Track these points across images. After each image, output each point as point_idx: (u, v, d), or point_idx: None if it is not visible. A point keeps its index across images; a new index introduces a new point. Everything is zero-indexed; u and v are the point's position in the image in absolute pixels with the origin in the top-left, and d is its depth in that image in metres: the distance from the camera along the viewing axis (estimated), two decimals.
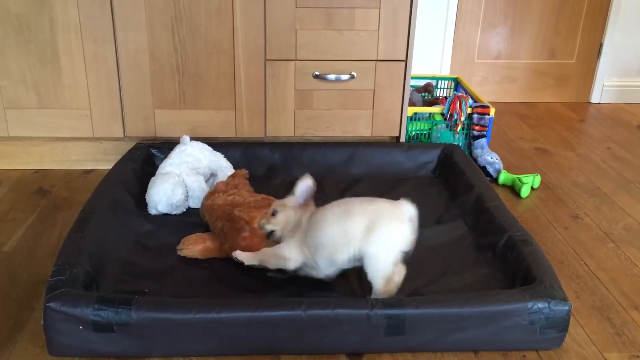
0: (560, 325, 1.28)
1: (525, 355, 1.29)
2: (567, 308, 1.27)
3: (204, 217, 1.66)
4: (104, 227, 1.52)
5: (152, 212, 1.73)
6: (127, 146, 2.04)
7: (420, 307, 1.25)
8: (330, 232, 1.33)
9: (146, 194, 1.75)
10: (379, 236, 1.30)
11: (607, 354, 1.31)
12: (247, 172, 1.80)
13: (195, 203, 1.78)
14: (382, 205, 1.34)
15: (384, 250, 1.31)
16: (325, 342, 1.25)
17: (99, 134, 2.06)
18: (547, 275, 1.34)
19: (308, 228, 1.37)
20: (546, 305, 1.26)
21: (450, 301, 1.27)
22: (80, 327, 1.20)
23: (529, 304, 1.25)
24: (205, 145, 1.89)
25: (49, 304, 1.19)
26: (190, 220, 1.72)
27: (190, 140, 1.88)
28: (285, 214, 1.42)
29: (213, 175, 1.88)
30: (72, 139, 2.10)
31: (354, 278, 1.47)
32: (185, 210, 1.77)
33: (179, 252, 1.54)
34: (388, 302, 1.25)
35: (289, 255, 1.38)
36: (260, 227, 1.43)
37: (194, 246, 1.54)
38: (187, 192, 1.77)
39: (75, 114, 2.03)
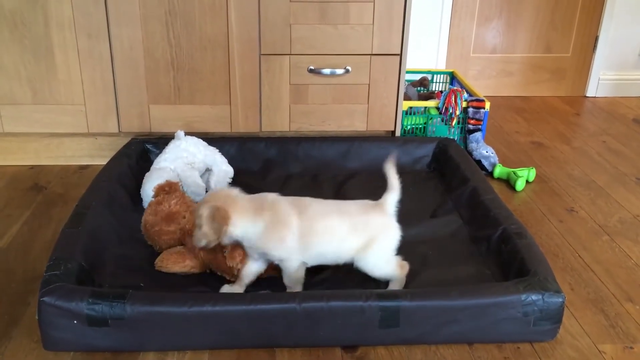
0: (554, 317, 1.29)
1: (519, 347, 1.30)
2: (560, 300, 1.27)
3: (154, 242, 1.55)
4: (99, 222, 1.52)
5: None
6: (122, 142, 2.04)
7: (414, 300, 1.25)
8: (332, 247, 1.37)
9: (141, 189, 1.75)
10: (377, 252, 1.37)
11: (601, 345, 1.32)
12: (177, 182, 1.66)
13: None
14: (374, 219, 1.39)
15: (382, 260, 1.38)
16: (320, 335, 1.26)
17: (94, 129, 2.06)
18: (541, 267, 1.34)
19: (305, 235, 1.35)
20: (540, 297, 1.26)
21: (444, 293, 1.27)
22: (75, 322, 1.20)
23: (523, 296, 1.26)
24: (200, 140, 1.89)
25: (44, 299, 1.19)
26: None
27: (185, 135, 1.88)
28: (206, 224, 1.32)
29: (208, 170, 1.88)
30: (67, 135, 2.10)
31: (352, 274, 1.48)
32: None
33: (157, 267, 1.46)
34: (382, 294, 1.26)
35: (293, 266, 1.36)
36: (198, 243, 1.35)
37: (174, 265, 1.46)
38: (183, 187, 1.77)
39: (70, 109, 2.03)
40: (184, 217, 1.52)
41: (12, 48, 1.94)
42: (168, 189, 1.57)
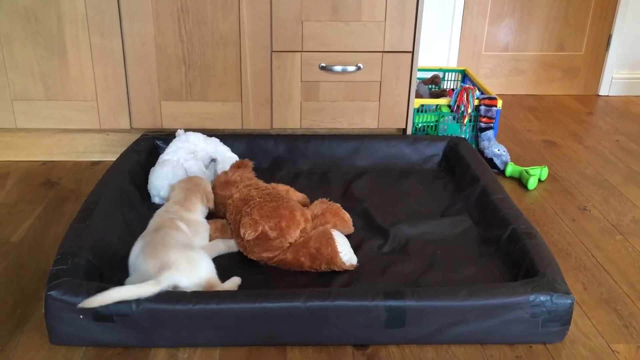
0: (563, 319, 1.27)
1: (531, 346, 1.29)
2: (569, 301, 1.26)
3: (215, 205, 1.66)
4: (108, 217, 1.52)
5: (156, 200, 1.74)
6: (134, 138, 2.05)
7: (421, 300, 1.24)
8: None
9: (148, 185, 1.76)
10: None
11: (614, 345, 1.31)
12: (252, 163, 1.78)
13: None
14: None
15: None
16: (326, 333, 1.25)
17: (106, 125, 2.07)
18: (550, 268, 1.33)
19: None
20: (548, 298, 1.25)
21: (451, 293, 1.26)
22: (81, 317, 1.20)
23: (531, 297, 1.24)
24: (200, 133, 1.90)
25: (50, 293, 1.20)
26: None
27: (185, 132, 1.91)
28: None
29: (213, 160, 1.89)
30: (79, 131, 2.11)
31: (358, 273, 1.48)
32: None
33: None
34: (388, 293, 1.24)
35: None
36: None
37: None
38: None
39: (83, 105, 2.04)
40: (236, 187, 1.60)
41: (25, 44, 1.95)
42: (240, 165, 1.72)
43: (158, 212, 1.50)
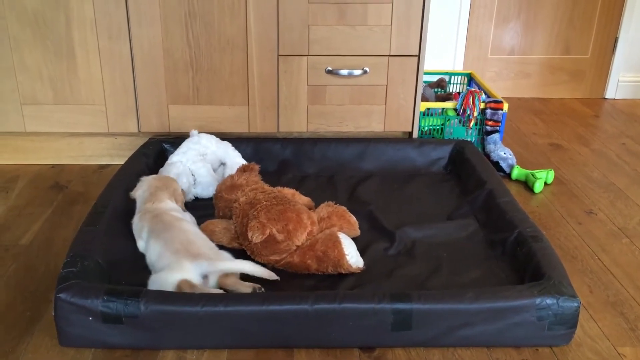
0: (569, 322, 1.27)
1: (537, 349, 1.29)
2: (576, 305, 1.26)
3: (221, 209, 1.67)
4: (117, 220, 1.54)
5: None
6: (142, 141, 2.07)
7: (427, 302, 1.24)
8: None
9: None
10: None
11: (620, 348, 1.31)
12: (258, 166, 1.79)
13: (203, 189, 1.79)
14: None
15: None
16: (333, 336, 1.26)
17: (114, 129, 2.08)
18: (557, 271, 1.33)
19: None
20: (555, 301, 1.25)
21: (457, 296, 1.26)
22: (90, 318, 1.22)
23: (537, 300, 1.25)
24: (213, 136, 1.92)
25: (60, 295, 1.21)
26: (201, 212, 1.71)
27: (199, 133, 1.92)
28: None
29: (222, 164, 1.90)
30: (87, 135, 2.13)
31: (365, 275, 1.48)
32: (193, 198, 1.80)
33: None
34: (395, 296, 1.25)
35: None
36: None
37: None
38: (195, 179, 1.79)
39: (91, 109, 2.05)
40: (242, 191, 1.59)
41: (34, 48, 1.97)
42: (245, 169, 1.74)
43: (137, 220, 1.54)
